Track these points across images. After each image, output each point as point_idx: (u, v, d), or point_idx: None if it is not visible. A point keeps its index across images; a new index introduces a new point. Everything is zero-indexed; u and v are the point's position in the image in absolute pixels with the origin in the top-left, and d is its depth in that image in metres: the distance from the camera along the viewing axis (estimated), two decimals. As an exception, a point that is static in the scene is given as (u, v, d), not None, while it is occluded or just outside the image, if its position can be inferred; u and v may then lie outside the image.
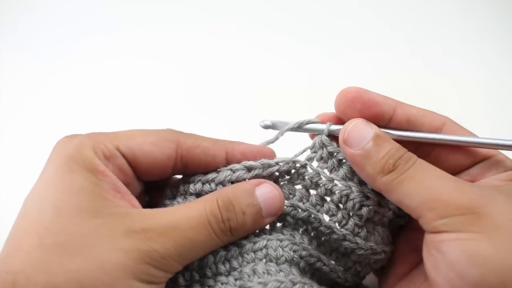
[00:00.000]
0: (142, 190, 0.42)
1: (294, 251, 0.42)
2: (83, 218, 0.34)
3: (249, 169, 0.41)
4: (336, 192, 0.42)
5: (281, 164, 0.42)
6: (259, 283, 0.37)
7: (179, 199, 0.41)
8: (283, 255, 0.41)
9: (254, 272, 0.39)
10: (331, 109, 0.43)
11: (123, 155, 0.38)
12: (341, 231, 0.42)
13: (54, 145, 0.38)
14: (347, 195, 0.42)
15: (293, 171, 0.44)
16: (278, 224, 0.44)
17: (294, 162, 0.43)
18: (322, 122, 0.44)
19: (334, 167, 0.43)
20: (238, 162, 0.41)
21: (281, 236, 0.42)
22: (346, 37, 0.93)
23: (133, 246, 0.33)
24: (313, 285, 0.39)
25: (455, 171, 0.41)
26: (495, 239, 0.32)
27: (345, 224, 0.42)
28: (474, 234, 0.33)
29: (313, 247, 0.43)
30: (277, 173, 0.43)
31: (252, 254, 0.41)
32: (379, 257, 0.44)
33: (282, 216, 0.43)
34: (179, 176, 0.44)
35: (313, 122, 0.44)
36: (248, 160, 0.41)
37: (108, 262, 0.33)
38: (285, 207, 0.42)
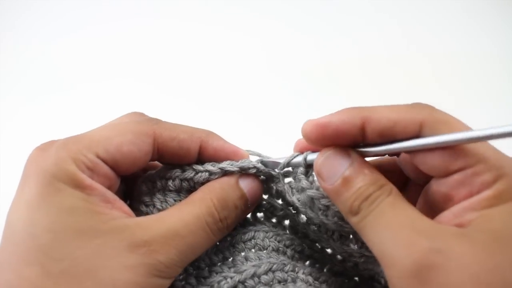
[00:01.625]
0: (120, 184, 0.41)
1: (279, 241, 0.45)
2: (83, 240, 0.34)
3: (224, 171, 0.42)
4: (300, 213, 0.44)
5: (259, 168, 0.42)
6: (253, 265, 0.41)
7: (159, 195, 0.42)
8: (269, 245, 0.44)
9: (246, 259, 0.43)
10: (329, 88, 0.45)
11: (104, 161, 0.37)
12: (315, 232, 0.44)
13: (27, 158, 0.37)
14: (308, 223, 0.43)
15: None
16: (259, 215, 0.47)
17: (269, 172, 0.43)
18: (300, 151, 0.42)
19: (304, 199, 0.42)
20: (209, 156, 0.42)
21: (265, 228, 0.45)
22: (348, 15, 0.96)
23: (139, 262, 0.34)
24: (305, 268, 0.43)
25: (439, 175, 0.36)
26: None
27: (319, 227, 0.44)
28: None
29: (299, 235, 0.46)
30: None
31: (242, 244, 0.44)
32: (361, 260, 0.44)
33: (262, 210, 0.46)
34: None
35: (295, 156, 0.42)
36: (218, 159, 0.42)
37: (119, 281, 0.33)
38: (264, 202, 0.46)
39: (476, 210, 0.33)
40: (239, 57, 0.96)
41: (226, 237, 0.43)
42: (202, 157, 0.43)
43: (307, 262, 0.46)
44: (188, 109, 0.83)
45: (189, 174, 0.42)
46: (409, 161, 0.40)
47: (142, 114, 0.44)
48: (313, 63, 0.93)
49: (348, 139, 0.37)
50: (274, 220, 0.47)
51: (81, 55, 0.97)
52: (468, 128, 0.35)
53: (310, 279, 0.42)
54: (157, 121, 0.41)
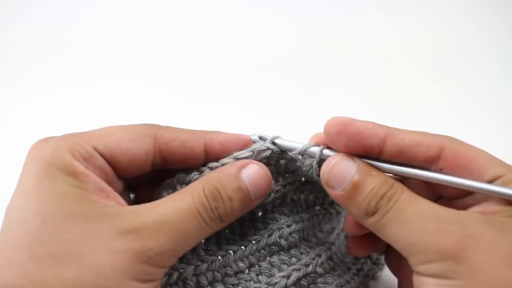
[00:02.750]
0: (123, 187, 0.42)
1: (298, 230, 0.45)
2: (72, 223, 0.33)
3: (237, 158, 0.40)
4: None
5: (273, 149, 0.41)
6: (283, 276, 0.41)
7: None
8: (292, 241, 0.44)
9: (272, 265, 0.43)
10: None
11: (101, 155, 0.37)
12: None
13: (28, 149, 0.38)
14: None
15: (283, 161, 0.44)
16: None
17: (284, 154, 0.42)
18: (317, 144, 0.41)
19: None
20: (217, 152, 0.41)
21: (289, 220, 0.44)
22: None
23: (128, 247, 0.33)
24: (321, 256, 0.44)
25: (457, 197, 0.38)
26: (474, 285, 0.31)
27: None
28: (453, 280, 0.32)
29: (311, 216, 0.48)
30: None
31: (268, 248, 0.43)
32: None
33: (279, 196, 0.45)
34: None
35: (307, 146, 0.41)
36: (227, 150, 0.41)
37: (105, 266, 0.32)
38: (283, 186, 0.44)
39: (501, 204, 0.35)
40: (236, 53, 0.93)
41: (251, 242, 0.43)
42: (210, 156, 0.41)
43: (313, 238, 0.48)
44: (190, 107, 0.81)
45: (207, 171, 0.40)
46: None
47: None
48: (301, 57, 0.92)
49: (366, 146, 0.37)
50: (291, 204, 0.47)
51: (84, 53, 0.91)
52: (482, 151, 0.37)
53: (326, 266, 0.44)
54: (157, 125, 0.41)
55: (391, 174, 0.39)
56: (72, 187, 0.35)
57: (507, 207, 0.35)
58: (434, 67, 0.88)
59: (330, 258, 0.47)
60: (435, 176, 0.37)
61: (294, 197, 0.48)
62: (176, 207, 0.36)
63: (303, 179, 0.47)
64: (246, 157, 0.40)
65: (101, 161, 0.37)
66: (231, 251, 0.42)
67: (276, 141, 0.42)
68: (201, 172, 0.41)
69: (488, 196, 0.36)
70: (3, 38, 0.92)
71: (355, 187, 0.36)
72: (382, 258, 0.53)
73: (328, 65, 0.89)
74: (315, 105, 0.80)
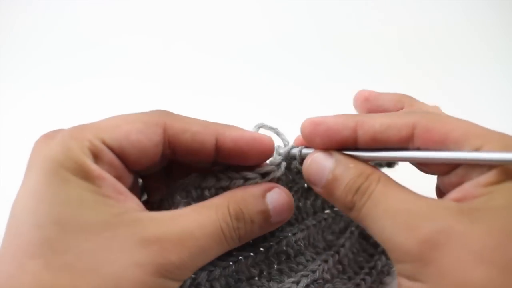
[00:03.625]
0: (133, 181, 0.40)
1: (303, 238, 0.45)
2: (91, 233, 0.32)
3: (263, 174, 0.40)
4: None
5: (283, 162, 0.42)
6: (293, 282, 0.42)
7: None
8: (298, 249, 0.45)
9: (281, 271, 0.44)
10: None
11: (110, 149, 0.35)
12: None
13: (32, 146, 0.36)
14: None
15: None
16: None
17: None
18: (297, 146, 0.43)
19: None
20: (229, 150, 0.39)
21: (293, 229, 0.45)
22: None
23: (150, 260, 0.32)
24: (328, 262, 0.45)
25: (441, 174, 0.37)
26: None
27: None
28: (421, 284, 0.31)
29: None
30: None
31: (276, 256, 0.44)
32: None
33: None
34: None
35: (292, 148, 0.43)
36: (240, 149, 0.39)
37: (124, 279, 0.31)
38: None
39: (481, 186, 0.33)
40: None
41: (262, 247, 0.43)
42: (220, 152, 0.39)
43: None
44: (190, 100, 0.82)
45: (225, 182, 0.40)
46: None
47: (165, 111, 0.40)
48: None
49: (339, 140, 0.38)
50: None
51: (87, 47, 0.94)
52: (462, 123, 0.35)
53: (334, 271, 0.45)
54: (168, 113, 0.38)
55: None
56: (90, 193, 0.33)
57: (488, 188, 0.32)
58: (426, 59, 0.88)
59: (339, 262, 0.47)
60: (411, 154, 0.36)
61: (300, 204, 0.48)
62: (200, 222, 0.35)
63: (305, 185, 0.48)
64: (270, 173, 0.41)
65: (111, 156, 0.35)
66: (241, 257, 0.42)
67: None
68: (218, 180, 0.40)
69: (469, 172, 0.34)
70: (6, 32, 0.93)
71: (332, 182, 0.37)
72: None
73: (322, 58, 0.90)
74: (313, 98, 0.82)
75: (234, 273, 0.42)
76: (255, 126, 0.44)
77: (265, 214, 0.38)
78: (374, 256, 0.50)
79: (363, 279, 0.47)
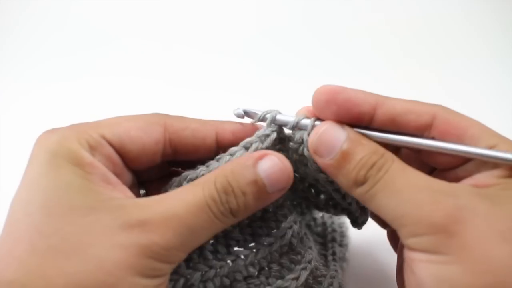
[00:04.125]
0: (133, 181, 0.40)
1: (302, 226, 0.43)
2: (75, 216, 0.32)
3: (246, 147, 0.38)
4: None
5: (277, 132, 0.39)
6: (293, 279, 0.39)
7: None
8: (300, 237, 0.42)
9: (282, 266, 0.41)
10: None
11: (110, 143, 0.36)
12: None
13: (35, 141, 0.36)
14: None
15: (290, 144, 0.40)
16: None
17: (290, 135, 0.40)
18: (307, 117, 0.39)
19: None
20: (230, 142, 0.39)
21: (294, 217, 0.42)
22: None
23: (132, 241, 0.31)
24: (312, 247, 0.43)
25: (449, 168, 0.37)
26: (466, 262, 0.30)
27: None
28: (444, 256, 0.31)
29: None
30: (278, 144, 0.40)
31: (279, 249, 0.41)
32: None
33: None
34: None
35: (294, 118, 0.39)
36: (240, 140, 0.38)
37: (107, 260, 0.31)
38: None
39: (495, 177, 0.34)
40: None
41: (263, 244, 0.40)
42: (221, 146, 0.40)
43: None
44: (186, 97, 0.81)
45: (214, 164, 0.38)
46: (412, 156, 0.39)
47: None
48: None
49: (356, 114, 0.36)
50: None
51: (89, 46, 0.92)
52: (477, 122, 0.36)
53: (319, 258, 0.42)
54: (167, 114, 0.40)
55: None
56: (78, 177, 0.33)
57: (501, 179, 0.34)
58: (418, 48, 0.88)
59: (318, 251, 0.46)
60: (429, 143, 0.36)
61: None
62: (185, 200, 0.34)
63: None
64: (252, 144, 0.38)
65: (109, 150, 0.36)
66: (242, 256, 0.39)
67: (277, 117, 0.39)
68: (208, 166, 0.38)
69: (480, 168, 0.35)
70: (9, 29, 0.93)
71: (344, 156, 0.35)
72: (346, 239, 0.54)
73: (317, 47, 0.90)
74: (305, 88, 0.80)
75: (231, 273, 0.39)
76: (236, 109, 0.41)
77: (258, 184, 0.36)
78: (328, 244, 0.51)
79: (335, 266, 0.48)
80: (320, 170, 0.38)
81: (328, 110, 0.37)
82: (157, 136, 0.38)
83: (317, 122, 0.38)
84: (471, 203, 0.31)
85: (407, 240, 0.33)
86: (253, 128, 0.41)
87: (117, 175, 0.37)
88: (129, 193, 0.37)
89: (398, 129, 0.37)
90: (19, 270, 0.31)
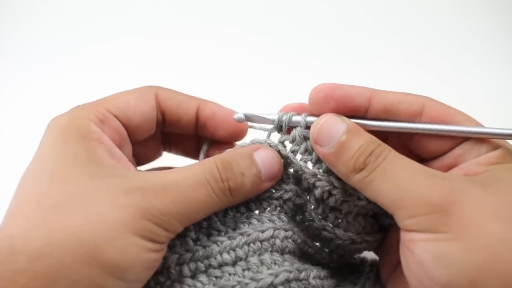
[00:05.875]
0: (133, 160, 0.44)
1: (294, 240, 0.42)
2: (81, 180, 0.34)
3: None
4: (319, 187, 0.41)
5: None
6: (270, 274, 0.38)
7: None
8: (287, 246, 0.41)
9: (262, 262, 0.39)
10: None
11: (115, 116, 0.40)
12: (320, 222, 0.43)
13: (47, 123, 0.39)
14: (329, 191, 0.41)
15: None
16: (273, 207, 0.43)
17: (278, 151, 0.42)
18: (297, 114, 0.42)
19: (318, 159, 0.42)
20: (206, 119, 0.44)
21: (286, 226, 0.42)
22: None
23: (132, 203, 0.33)
24: (313, 270, 0.41)
25: (437, 155, 0.40)
26: (464, 238, 0.32)
27: (326, 217, 0.43)
28: (442, 234, 0.32)
29: (300, 230, 0.44)
30: None
31: (259, 244, 0.40)
32: (360, 246, 0.44)
33: (278, 201, 0.43)
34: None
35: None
36: (216, 120, 0.44)
37: (108, 218, 0.33)
38: (285, 191, 0.43)
39: (482, 165, 0.37)
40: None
41: (240, 234, 0.40)
42: (200, 119, 0.45)
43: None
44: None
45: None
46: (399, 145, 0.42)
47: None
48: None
49: (352, 107, 0.39)
50: (289, 211, 0.44)
51: (90, 39, 0.92)
52: (461, 112, 0.39)
53: (319, 282, 0.41)
54: (158, 86, 0.45)
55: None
56: (85, 150, 0.36)
57: (488, 167, 0.37)
58: (417, 48, 0.90)
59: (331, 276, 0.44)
60: (424, 126, 0.39)
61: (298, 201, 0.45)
62: (186, 174, 0.36)
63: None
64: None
65: (116, 122, 0.40)
66: (218, 242, 0.40)
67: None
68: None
69: (466, 154, 0.38)
70: (12, 26, 0.92)
71: (344, 144, 0.37)
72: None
73: (315, 41, 0.92)
74: (302, 82, 0.81)
75: (205, 258, 0.39)
76: (236, 114, 0.44)
77: (255, 169, 0.39)
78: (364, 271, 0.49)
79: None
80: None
81: (326, 106, 0.39)
82: (152, 103, 0.43)
83: (308, 118, 0.42)
84: (464, 186, 0.34)
85: (405, 222, 0.34)
86: (231, 113, 0.45)
87: (122, 146, 0.41)
88: (132, 167, 0.40)
89: (391, 118, 0.40)
90: (22, 225, 0.32)
